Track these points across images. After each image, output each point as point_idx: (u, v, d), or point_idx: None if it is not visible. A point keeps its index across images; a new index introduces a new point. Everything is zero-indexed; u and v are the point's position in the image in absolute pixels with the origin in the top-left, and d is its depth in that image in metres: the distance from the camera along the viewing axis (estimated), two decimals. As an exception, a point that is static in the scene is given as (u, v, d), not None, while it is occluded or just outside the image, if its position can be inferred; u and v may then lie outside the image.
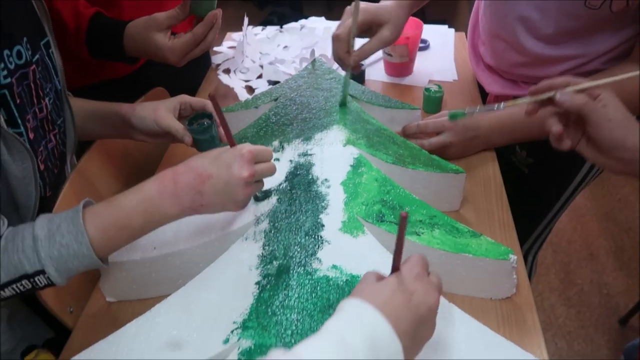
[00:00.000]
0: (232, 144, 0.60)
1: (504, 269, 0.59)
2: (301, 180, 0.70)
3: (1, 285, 0.49)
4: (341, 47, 0.75)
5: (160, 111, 0.72)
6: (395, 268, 0.46)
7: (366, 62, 1.08)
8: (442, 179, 0.72)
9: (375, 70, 1.08)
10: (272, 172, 0.61)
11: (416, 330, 0.42)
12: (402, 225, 0.42)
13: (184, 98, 0.75)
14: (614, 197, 1.94)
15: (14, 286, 0.50)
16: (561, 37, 0.75)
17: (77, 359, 0.53)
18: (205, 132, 0.73)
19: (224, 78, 1.05)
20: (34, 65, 0.60)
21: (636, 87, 0.66)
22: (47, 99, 0.63)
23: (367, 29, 0.77)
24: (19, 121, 0.57)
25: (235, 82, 1.04)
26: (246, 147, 0.58)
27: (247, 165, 0.56)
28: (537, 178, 0.94)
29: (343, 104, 0.82)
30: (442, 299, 0.55)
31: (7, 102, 0.55)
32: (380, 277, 0.45)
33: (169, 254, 0.63)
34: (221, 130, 0.66)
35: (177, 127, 0.72)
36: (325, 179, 0.70)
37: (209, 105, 0.74)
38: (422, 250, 0.60)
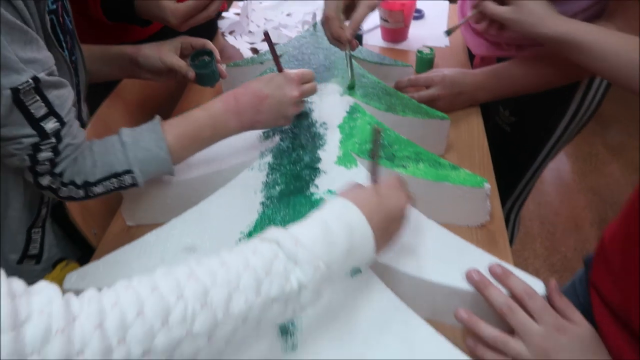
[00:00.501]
0: (280, 70, 0.70)
1: (479, 196, 0.67)
2: (302, 122, 0.78)
3: (96, 181, 0.59)
4: (334, 25, 0.77)
5: (164, 50, 0.79)
6: (373, 180, 0.54)
7: (364, 28, 1.16)
8: (428, 124, 0.79)
9: (373, 36, 1.16)
10: (315, 90, 0.71)
11: (386, 225, 0.50)
12: (376, 139, 0.50)
13: (185, 38, 0.82)
14: (601, 173, 2.03)
15: (105, 183, 0.60)
16: None
17: (105, 259, 0.61)
18: (206, 67, 0.80)
19: (230, 39, 1.12)
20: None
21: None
22: (67, 36, 0.70)
23: (351, 3, 0.79)
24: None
25: (241, 44, 1.11)
26: (293, 71, 0.68)
27: (296, 86, 0.67)
28: (518, 135, 1.02)
29: (351, 87, 0.83)
30: (418, 213, 0.64)
31: (55, 26, 0.61)
32: (360, 186, 0.53)
33: (183, 181, 0.71)
34: (219, 66, 0.79)
35: (181, 63, 0.79)
36: (324, 122, 0.78)
37: (208, 43, 0.82)
38: (408, 179, 0.68)
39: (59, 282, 0.59)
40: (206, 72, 0.80)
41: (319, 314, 0.53)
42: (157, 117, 0.63)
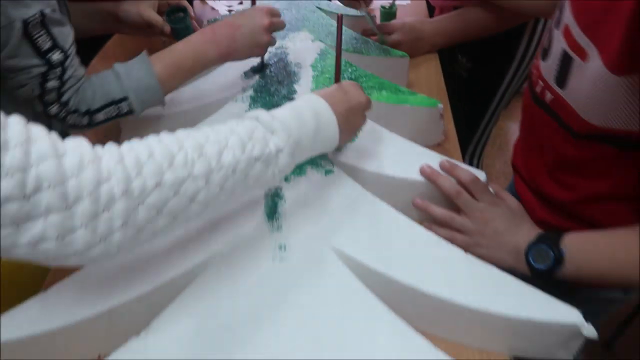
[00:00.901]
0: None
1: (434, 116, 0.78)
2: (278, 63, 0.87)
3: (97, 109, 0.67)
4: None
5: (143, 5, 0.88)
6: (337, 80, 0.64)
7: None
8: (390, 62, 0.90)
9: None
10: (282, 26, 0.80)
11: (348, 116, 0.59)
12: (339, 26, 0.61)
13: None
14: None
15: (105, 110, 0.68)
16: None
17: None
18: (181, 22, 0.89)
19: (210, 2, 1.21)
20: None
21: None
22: None
23: None
24: None
25: (219, 7, 1.20)
26: (264, 5, 0.78)
27: (266, 16, 0.76)
28: (475, 80, 1.14)
29: (382, 42, 0.97)
30: (381, 127, 0.74)
31: None
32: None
33: (173, 114, 0.80)
34: (193, 22, 0.88)
35: (158, 18, 0.88)
36: (298, 62, 0.88)
37: (183, 1, 0.91)
38: (373, 104, 0.78)
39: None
40: (181, 27, 0.90)
41: (299, 202, 0.63)
42: (145, 51, 0.72)
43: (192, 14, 0.90)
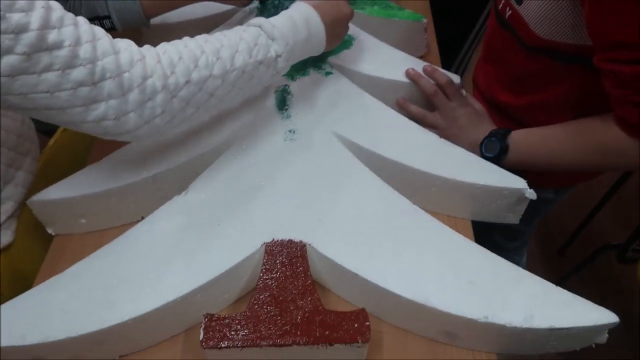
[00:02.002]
0: None
1: (418, 28, 0.89)
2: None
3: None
4: None
5: None
6: None
7: None
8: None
9: None
10: None
11: (334, 25, 0.69)
12: None
13: None
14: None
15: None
16: None
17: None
18: None
19: None
20: None
21: None
22: None
23: None
24: None
25: None
26: None
27: None
28: (458, 5, 1.24)
29: None
30: (369, 35, 0.85)
31: None
32: None
33: (192, 20, 0.89)
34: None
35: None
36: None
37: None
38: (363, 18, 0.89)
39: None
40: None
41: (303, 97, 0.75)
42: None
43: None
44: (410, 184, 0.67)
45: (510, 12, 0.71)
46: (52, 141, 0.76)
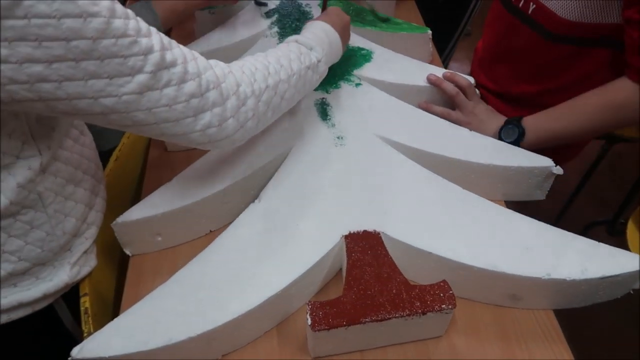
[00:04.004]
0: None
1: (424, 39, 0.99)
2: (293, 5, 1.04)
3: None
4: None
5: None
6: (324, 8, 0.84)
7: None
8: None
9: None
10: None
11: (342, 31, 0.78)
12: None
13: None
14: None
15: None
16: None
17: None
18: None
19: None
20: None
21: None
22: None
23: None
24: None
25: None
26: None
27: None
28: (448, 4, 1.36)
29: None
30: (385, 49, 0.94)
31: None
32: (323, 14, 0.80)
33: (218, 49, 0.96)
34: None
35: None
36: (307, 3, 1.05)
37: None
38: (376, 34, 0.98)
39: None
40: None
41: (341, 106, 0.83)
42: None
43: None
44: (451, 173, 0.76)
45: (534, 6, 0.82)
46: (107, 170, 0.80)
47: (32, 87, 0.44)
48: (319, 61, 0.71)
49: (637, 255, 0.63)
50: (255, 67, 0.61)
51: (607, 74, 0.79)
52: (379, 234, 0.66)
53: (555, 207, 1.80)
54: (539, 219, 0.68)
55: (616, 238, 1.49)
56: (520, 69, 0.90)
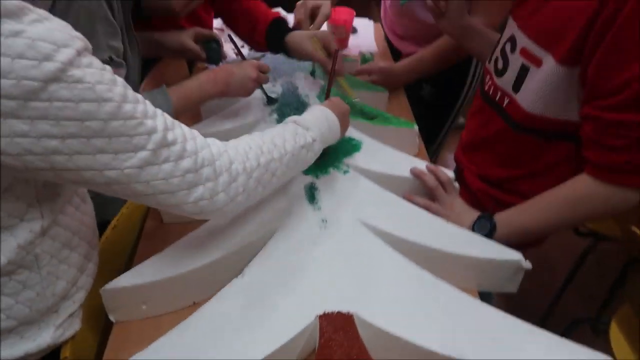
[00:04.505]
0: (243, 58, 1.09)
1: (411, 133, 1.08)
2: (293, 93, 1.14)
3: None
4: (305, 26, 1.24)
5: (183, 36, 1.14)
6: (327, 97, 0.93)
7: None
8: (371, 95, 1.19)
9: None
10: (267, 80, 1.06)
11: (342, 118, 0.86)
12: (334, 60, 0.89)
13: (197, 29, 1.17)
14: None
15: None
16: None
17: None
18: (214, 51, 1.17)
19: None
20: None
21: None
22: None
23: (312, 13, 1.26)
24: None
25: (228, 50, 1.45)
26: (255, 62, 1.03)
27: (255, 70, 1.01)
28: (435, 99, 1.48)
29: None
30: (374, 140, 1.02)
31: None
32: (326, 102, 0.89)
33: (221, 131, 1.04)
34: (222, 50, 1.16)
35: (196, 47, 1.14)
36: (306, 94, 1.15)
37: (215, 34, 1.19)
38: (368, 126, 1.07)
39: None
40: (215, 55, 1.17)
41: (329, 191, 0.89)
42: (164, 86, 0.94)
43: (222, 43, 1.18)
44: (428, 260, 0.80)
45: (507, 100, 0.90)
46: (103, 237, 0.84)
47: (46, 158, 0.50)
48: (314, 140, 0.78)
49: (604, 356, 0.66)
50: (250, 146, 0.68)
51: (573, 166, 0.85)
52: (352, 315, 0.69)
53: (544, 302, 1.81)
54: (527, 313, 0.71)
55: (601, 337, 1.49)
56: (494, 156, 0.97)
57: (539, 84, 0.84)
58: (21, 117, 0.48)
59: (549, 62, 0.81)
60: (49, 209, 0.62)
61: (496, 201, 0.97)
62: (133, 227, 0.93)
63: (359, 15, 1.67)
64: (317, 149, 0.80)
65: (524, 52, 0.87)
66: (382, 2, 1.61)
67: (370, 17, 1.77)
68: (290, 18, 1.34)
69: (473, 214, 0.91)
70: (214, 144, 0.64)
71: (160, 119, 0.57)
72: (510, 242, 0.83)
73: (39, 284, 0.63)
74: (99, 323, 0.80)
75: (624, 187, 0.77)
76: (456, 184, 0.96)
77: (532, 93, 0.85)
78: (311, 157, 0.79)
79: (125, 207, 0.92)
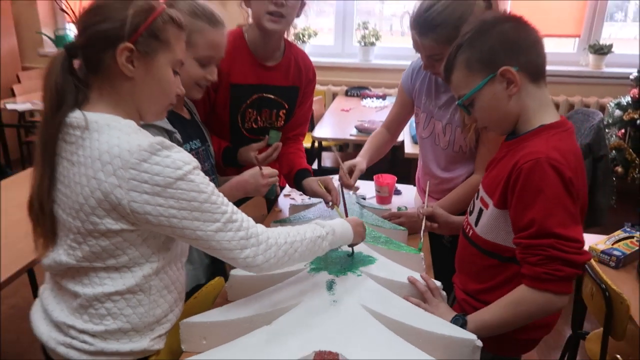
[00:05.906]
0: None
1: (417, 258, 1.42)
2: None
3: None
4: (345, 178, 1.70)
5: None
6: (345, 214, 1.34)
7: (367, 196, 2.02)
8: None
9: (372, 201, 2.00)
10: (275, 182, 1.52)
11: (355, 227, 1.25)
12: (342, 190, 1.33)
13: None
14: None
15: None
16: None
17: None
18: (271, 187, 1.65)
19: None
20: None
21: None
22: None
23: (350, 170, 1.73)
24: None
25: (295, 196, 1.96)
26: (265, 170, 1.50)
27: (264, 178, 1.48)
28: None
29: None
30: (387, 259, 1.38)
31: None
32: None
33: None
34: (277, 188, 1.69)
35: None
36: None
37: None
38: (383, 250, 1.43)
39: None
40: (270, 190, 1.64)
41: (343, 285, 1.24)
42: None
43: (277, 182, 1.68)
44: (407, 334, 1.09)
45: (471, 232, 1.25)
46: (187, 303, 1.25)
47: (168, 220, 0.95)
48: (327, 234, 1.17)
49: None
50: (280, 232, 1.09)
51: (521, 282, 1.14)
52: (337, 354, 1.00)
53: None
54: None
55: None
56: (471, 274, 1.28)
57: (488, 220, 1.20)
58: (161, 196, 0.95)
59: (491, 206, 1.19)
60: (163, 259, 1.06)
61: (473, 308, 1.25)
62: (207, 300, 1.33)
63: (404, 182, 2.15)
64: (330, 240, 1.18)
65: (481, 199, 1.25)
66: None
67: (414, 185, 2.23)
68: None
69: (452, 313, 1.20)
70: (260, 226, 1.07)
71: (230, 206, 1.02)
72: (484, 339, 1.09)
73: (148, 305, 1.04)
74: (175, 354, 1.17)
75: (547, 292, 1.06)
76: (443, 293, 1.26)
77: (485, 227, 1.22)
78: (325, 245, 1.17)
79: (206, 286, 1.33)
